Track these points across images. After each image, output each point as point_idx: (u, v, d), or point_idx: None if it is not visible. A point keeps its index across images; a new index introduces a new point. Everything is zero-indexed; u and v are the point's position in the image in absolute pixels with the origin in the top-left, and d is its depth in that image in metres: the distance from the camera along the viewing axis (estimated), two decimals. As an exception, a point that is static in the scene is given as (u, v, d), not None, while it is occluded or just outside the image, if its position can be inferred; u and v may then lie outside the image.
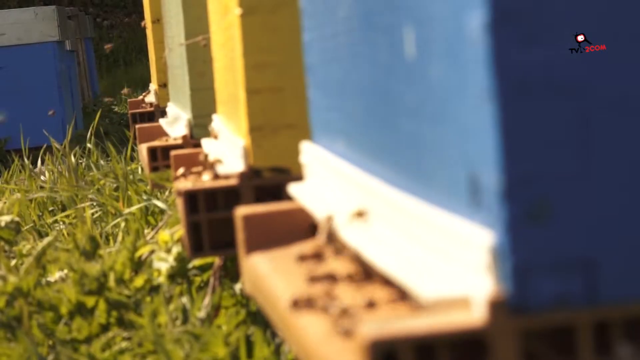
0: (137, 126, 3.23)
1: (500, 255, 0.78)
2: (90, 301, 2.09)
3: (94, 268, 2.11)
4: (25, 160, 4.28)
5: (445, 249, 0.88)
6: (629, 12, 0.78)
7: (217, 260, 2.07)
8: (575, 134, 0.78)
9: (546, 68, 0.77)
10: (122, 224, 2.87)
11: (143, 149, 2.82)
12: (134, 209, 3.05)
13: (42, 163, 4.61)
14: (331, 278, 1.13)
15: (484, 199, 0.80)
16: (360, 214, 1.11)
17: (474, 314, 0.80)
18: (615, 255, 0.78)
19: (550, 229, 0.77)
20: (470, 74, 0.80)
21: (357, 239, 1.07)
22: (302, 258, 1.21)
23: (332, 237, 1.15)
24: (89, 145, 4.57)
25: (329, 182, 1.33)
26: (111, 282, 2.20)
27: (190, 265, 2.28)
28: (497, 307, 0.77)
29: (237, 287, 2.06)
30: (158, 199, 3.03)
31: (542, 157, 0.77)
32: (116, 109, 7.02)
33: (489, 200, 0.79)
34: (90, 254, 2.44)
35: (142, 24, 2.32)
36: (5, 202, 3.38)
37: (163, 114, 3.37)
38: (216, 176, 1.81)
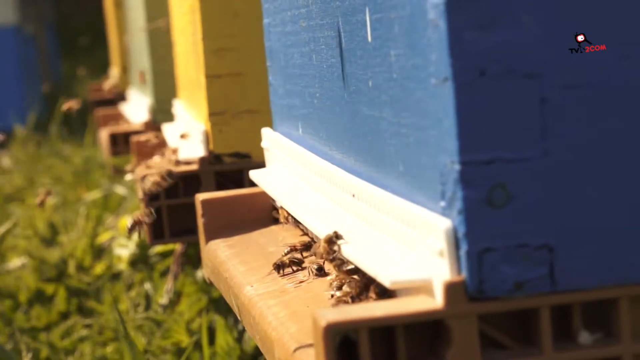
0: (97, 111, 3.20)
1: (458, 240, 0.78)
2: (49, 288, 2.06)
3: (53, 255, 2.10)
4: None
5: (408, 235, 0.87)
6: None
7: (178, 247, 2.06)
8: (533, 118, 0.77)
9: (504, 51, 0.76)
10: (83, 211, 2.84)
11: (104, 134, 2.80)
12: (94, 195, 3.02)
13: (1, 149, 4.55)
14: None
15: (442, 185, 0.80)
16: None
17: (435, 299, 0.80)
18: (573, 241, 0.78)
19: (507, 214, 0.77)
20: (428, 57, 0.80)
21: (321, 229, 1.06)
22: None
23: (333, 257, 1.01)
24: (49, 130, 4.52)
25: (290, 167, 1.32)
26: (71, 269, 2.18)
27: (152, 252, 2.26)
28: (454, 291, 0.77)
29: (199, 273, 2.04)
30: (119, 184, 3.01)
31: (500, 142, 0.77)
32: (77, 94, 6.96)
33: (447, 186, 0.79)
34: (50, 240, 2.42)
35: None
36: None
37: (124, 98, 3.34)
38: (176, 162, 1.80)
